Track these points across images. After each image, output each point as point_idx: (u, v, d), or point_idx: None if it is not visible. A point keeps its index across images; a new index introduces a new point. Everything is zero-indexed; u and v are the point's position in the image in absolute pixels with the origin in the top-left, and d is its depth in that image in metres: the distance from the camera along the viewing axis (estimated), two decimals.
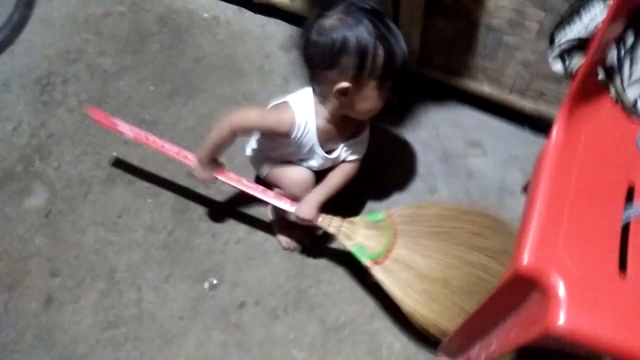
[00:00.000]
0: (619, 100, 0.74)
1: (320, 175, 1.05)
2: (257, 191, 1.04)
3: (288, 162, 1.03)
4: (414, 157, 1.26)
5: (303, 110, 0.94)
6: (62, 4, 1.53)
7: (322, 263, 1.13)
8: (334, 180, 1.03)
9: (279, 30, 1.46)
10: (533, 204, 0.67)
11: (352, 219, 1.02)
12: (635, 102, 0.72)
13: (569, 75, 0.83)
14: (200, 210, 1.19)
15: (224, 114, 0.95)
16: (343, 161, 1.04)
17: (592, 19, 0.78)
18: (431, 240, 0.96)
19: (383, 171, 1.23)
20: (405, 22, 1.14)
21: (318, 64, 0.88)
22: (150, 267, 1.13)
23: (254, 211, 1.19)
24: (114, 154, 1.27)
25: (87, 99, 1.35)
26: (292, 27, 1.45)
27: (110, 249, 1.15)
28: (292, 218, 1.03)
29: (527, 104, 1.20)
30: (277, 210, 1.09)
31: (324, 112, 0.94)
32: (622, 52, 0.75)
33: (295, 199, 1.03)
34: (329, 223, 1.01)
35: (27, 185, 1.23)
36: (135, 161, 1.26)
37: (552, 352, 0.65)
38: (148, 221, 1.18)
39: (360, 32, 0.83)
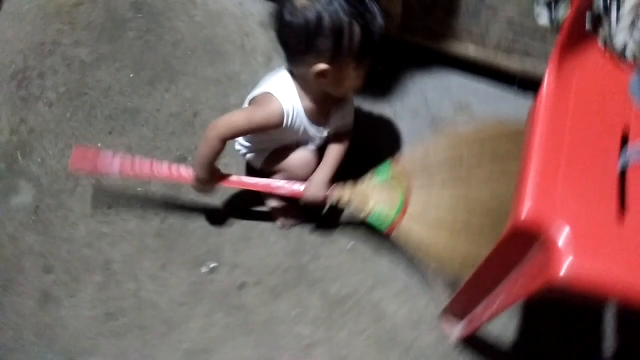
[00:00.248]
0: (608, 47, 0.73)
1: (321, 152, 1.04)
2: (265, 188, 1.02)
3: (286, 147, 1.02)
4: (404, 125, 1.24)
5: (287, 97, 0.92)
6: None
7: (320, 238, 1.13)
8: (333, 154, 1.02)
9: (258, 8, 1.43)
10: (528, 158, 0.66)
11: (361, 186, 1.00)
12: (625, 47, 0.71)
13: (556, 26, 0.81)
14: (192, 196, 1.17)
15: (210, 121, 0.91)
16: (336, 134, 1.03)
17: None
18: (447, 188, 0.93)
19: (373, 143, 1.22)
20: None
21: (294, 47, 0.86)
22: (146, 256, 1.12)
23: (247, 192, 1.17)
24: (99, 145, 1.24)
25: (66, 91, 1.31)
26: (271, 3, 1.41)
27: (104, 241, 1.13)
28: (302, 202, 1.01)
29: (513, 64, 1.19)
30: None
31: (307, 93, 0.93)
32: None
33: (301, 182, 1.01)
34: (340, 198, 0.99)
35: (12, 183, 1.20)
36: (121, 151, 1.23)
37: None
38: (140, 210, 1.16)
39: (334, 11, 0.80)
